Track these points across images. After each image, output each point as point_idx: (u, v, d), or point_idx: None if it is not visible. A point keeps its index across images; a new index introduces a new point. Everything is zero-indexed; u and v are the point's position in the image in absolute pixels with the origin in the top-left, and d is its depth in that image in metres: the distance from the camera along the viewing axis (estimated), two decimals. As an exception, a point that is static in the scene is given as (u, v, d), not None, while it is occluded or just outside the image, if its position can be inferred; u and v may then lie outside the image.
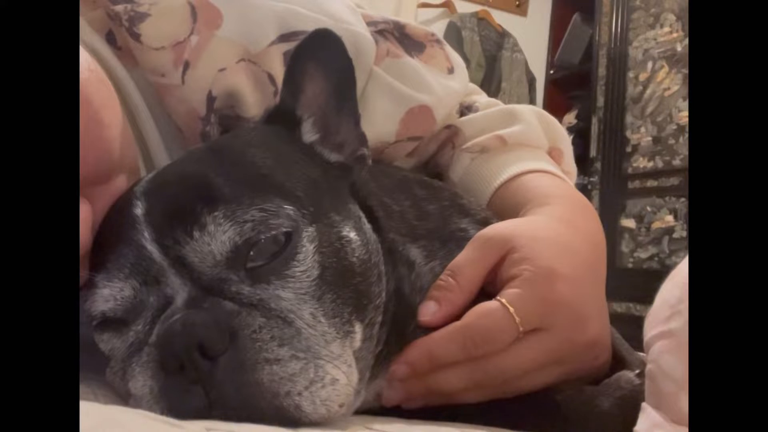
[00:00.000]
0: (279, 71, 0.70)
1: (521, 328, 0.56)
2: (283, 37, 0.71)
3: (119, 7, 0.68)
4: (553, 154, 0.83)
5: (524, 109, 0.83)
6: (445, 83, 0.80)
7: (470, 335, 0.56)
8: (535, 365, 0.57)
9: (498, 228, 0.63)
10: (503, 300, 0.57)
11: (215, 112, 0.69)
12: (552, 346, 0.57)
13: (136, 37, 0.67)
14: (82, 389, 0.48)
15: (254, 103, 0.70)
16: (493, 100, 0.89)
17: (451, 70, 0.82)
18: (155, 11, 0.68)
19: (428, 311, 0.59)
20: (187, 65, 0.67)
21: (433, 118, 0.78)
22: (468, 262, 0.61)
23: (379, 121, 0.75)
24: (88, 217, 0.53)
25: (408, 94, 0.77)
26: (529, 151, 0.80)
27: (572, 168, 0.86)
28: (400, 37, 0.81)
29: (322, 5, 0.74)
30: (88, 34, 0.68)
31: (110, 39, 0.69)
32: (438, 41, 0.84)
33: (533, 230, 0.63)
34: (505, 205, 0.74)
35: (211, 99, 0.68)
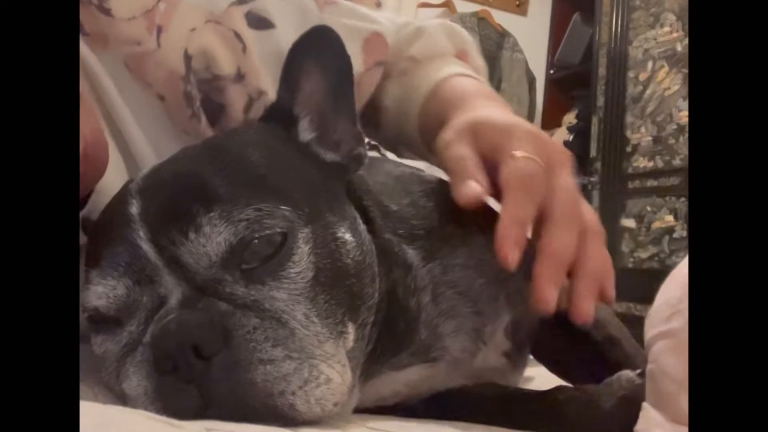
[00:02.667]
0: (244, 29, 0.74)
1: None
2: (241, 1, 0.75)
3: None
4: (460, 55, 0.90)
5: (428, 23, 0.90)
6: (380, 14, 0.87)
7: (522, 183, 0.59)
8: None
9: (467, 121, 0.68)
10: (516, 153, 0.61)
11: (193, 72, 0.72)
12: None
13: (107, 12, 0.69)
14: (82, 389, 0.48)
15: (226, 61, 0.73)
16: (405, 20, 0.94)
17: (378, 5, 0.90)
18: None
19: (473, 189, 0.60)
20: (160, 29, 0.71)
21: (386, 42, 0.85)
22: (468, 154, 0.64)
23: None
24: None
25: (358, 25, 0.83)
26: (439, 60, 0.86)
27: (479, 63, 0.93)
28: None
29: None
30: None
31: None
32: None
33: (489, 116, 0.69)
34: (434, 116, 0.78)
35: (187, 57, 0.72)
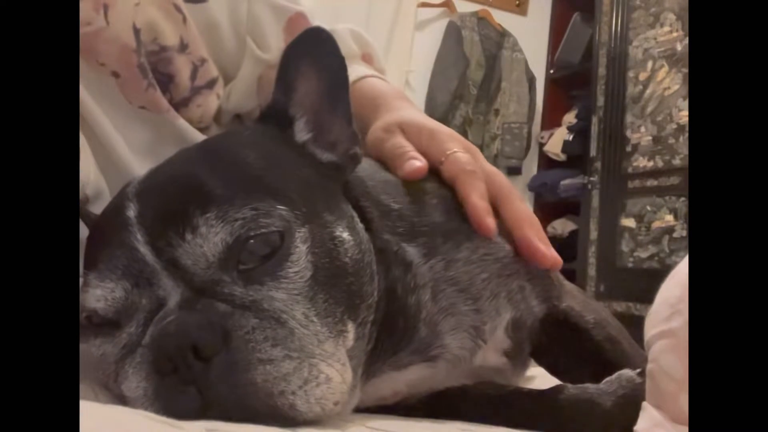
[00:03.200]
0: (180, 2, 0.79)
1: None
2: None
3: None
4: (365, 58, 0.95)
5: (337, 27, 0.93)
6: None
7: (471, 171, 0.69)
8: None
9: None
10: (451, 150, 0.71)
11: (143, 45, 0.75)
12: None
13: None
14: (83, 389, 0.48)
15: (170, 32, 0.77)
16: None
17: None
18: None
19: (416, 165, 0.68)
20: (106, 7, 0.73)
21: (309, 22, 0.89)
22: (405, 142, 0.73)
23: (270, 32, 0.87)
24: None
25: (283, 5, 0.88)
26: (348, 61, 0.89)
27: (383, 66, 0.99)
28: None
29: None
30: None
31: None
32: None
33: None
34: (355, 105, 0.84)
35: (136, 30, 0.75)
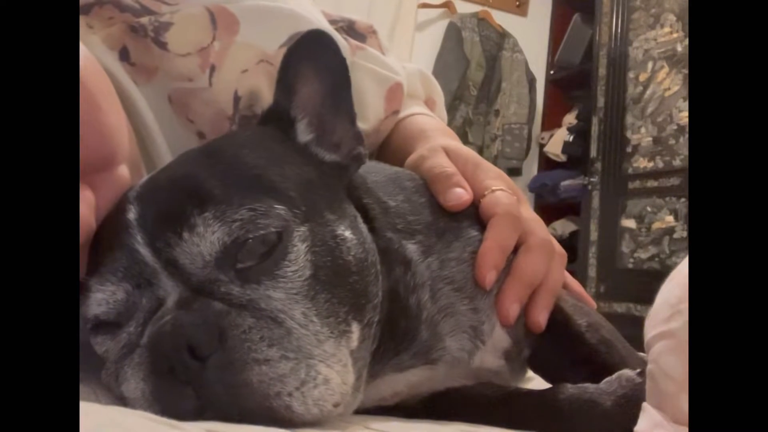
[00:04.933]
0: None
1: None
2: (292, 38, 0.75)
3: (144, 19, 0.70)
4: (428, 103, 0.97)
5: (409, 67, 0.95)
6: (394, 61, 0.92)
7: (507, 213, 0.67)
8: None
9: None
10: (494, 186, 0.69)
11: (239, 112, 0.73)
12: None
13: (163, 45, 0.70)
14: (83, 389, 0.48)
15: (270, 99, 0.74)
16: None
17: (385, 53, 0.93)
18: (177, 20, 0.71)
19: (460, 195, 0.67)
20: (213, 68, 0.71)
21: (404, 93, 0.89)
22: (448, 163, 0.71)
23: (371, 101, 0.85)
24: (91, 203, 0.54)
25: (385, 74, 0.87)
26: (410, 101, 0.93)
27: (443, 115, 1.01)
28: (349, 31, 0.90)
29: (312, 9, 0.81)
30: (101, 51, 0.69)
31: (123, 55, 0.71)
32: (374, 32, 0.94)
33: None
34: (394, 145, 0.86)
35: (237, 99, 0.72)
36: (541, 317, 0.65)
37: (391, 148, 0.86)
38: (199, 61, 0.70)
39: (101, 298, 0.51)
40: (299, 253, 0.51)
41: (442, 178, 0.68)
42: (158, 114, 0.70)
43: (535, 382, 0.74)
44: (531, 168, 4.12)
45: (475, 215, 0.68)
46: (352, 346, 0.52)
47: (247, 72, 0.73)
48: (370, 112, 0.84)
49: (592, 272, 3.27)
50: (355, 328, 0.53)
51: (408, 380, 0.62)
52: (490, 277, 0.63)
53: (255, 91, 0.73)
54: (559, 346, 0.67)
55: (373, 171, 0.68)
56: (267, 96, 0.73)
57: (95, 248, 0.54)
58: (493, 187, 0.68)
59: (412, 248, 0.62)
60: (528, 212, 0.70)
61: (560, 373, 0.66)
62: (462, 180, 0.68)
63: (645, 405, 0.48)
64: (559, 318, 0.67)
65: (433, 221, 0.65)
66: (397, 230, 0.62)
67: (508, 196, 0.68)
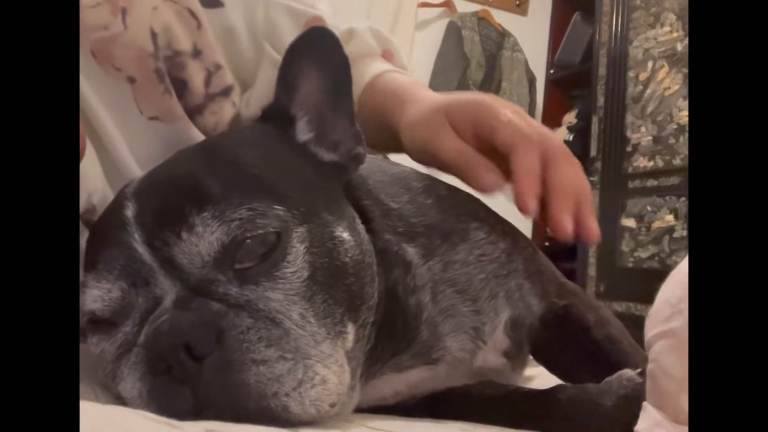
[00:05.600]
0: (197, 7, 0.78)
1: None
2: None
3: None
4: (386, 56, 0.95)
5: (357, 25, 0.94)
6: (320, 2, 0.92)
7: (524, 138, 0.67)
8: None
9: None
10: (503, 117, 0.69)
11: (159, 49, 0.74)
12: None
13: None
14: (83, 389, 0.48)
15: (183, 37, 0.76)
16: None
17: None
18: None
19: (493, 181, 0.67)
20: (124, 11, 0.72)
21: (326, 26, 0.87)
22: (463, 145, 0.71)
23: (287, 36, 0.85)
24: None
25: (300, 9, 0.88)
26: (369, 59, 0.92)
27: (404, 62, 0.99)
28: None
29: None
30: None
31: None
32: None
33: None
34: (372, 108, 0.84)
35: (154, 35, 0.74)
36: (593, 224, 0.67)
37: (367, 107, 0.85)
38: (109, 7, 0.71)
39: (97, 295, 0.50)
40: (298, 254, 0.51)
41: (467, 166, 0.69)
42: (86, 72, 0.70)
43: (536, 381, 0.74)
44: (531, 167, 4.12)
45: (483, 216, 0.68)
46: (347, 347, 0.52)
47: (157, 9, 0.74)
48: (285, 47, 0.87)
49: (592, 271, 3.26)
50: (351, 329, 0.53)
51: (408, 380, 0.62)
52: (532, 204, 0.64)
53: (167, 27, 0.75)
54: (564, 339, 0.67)
55: (377, 171, 0.68)
56: (179, 33, 0.76)
57: (92, 244, 0.54)
58: (505, 117, 0.69)
59: (412, 251, 0.62)
60: (541, 128, 0.71)
61: (564, 366, 0.66)
62: (484, 161, 0.68)
63: (645, 404, 0.48)
64: (567, 311, 0.67)
65: (438, 223, 0.65)
66: (397, 233, 0.62)
67: (519, 119, 0.68)
